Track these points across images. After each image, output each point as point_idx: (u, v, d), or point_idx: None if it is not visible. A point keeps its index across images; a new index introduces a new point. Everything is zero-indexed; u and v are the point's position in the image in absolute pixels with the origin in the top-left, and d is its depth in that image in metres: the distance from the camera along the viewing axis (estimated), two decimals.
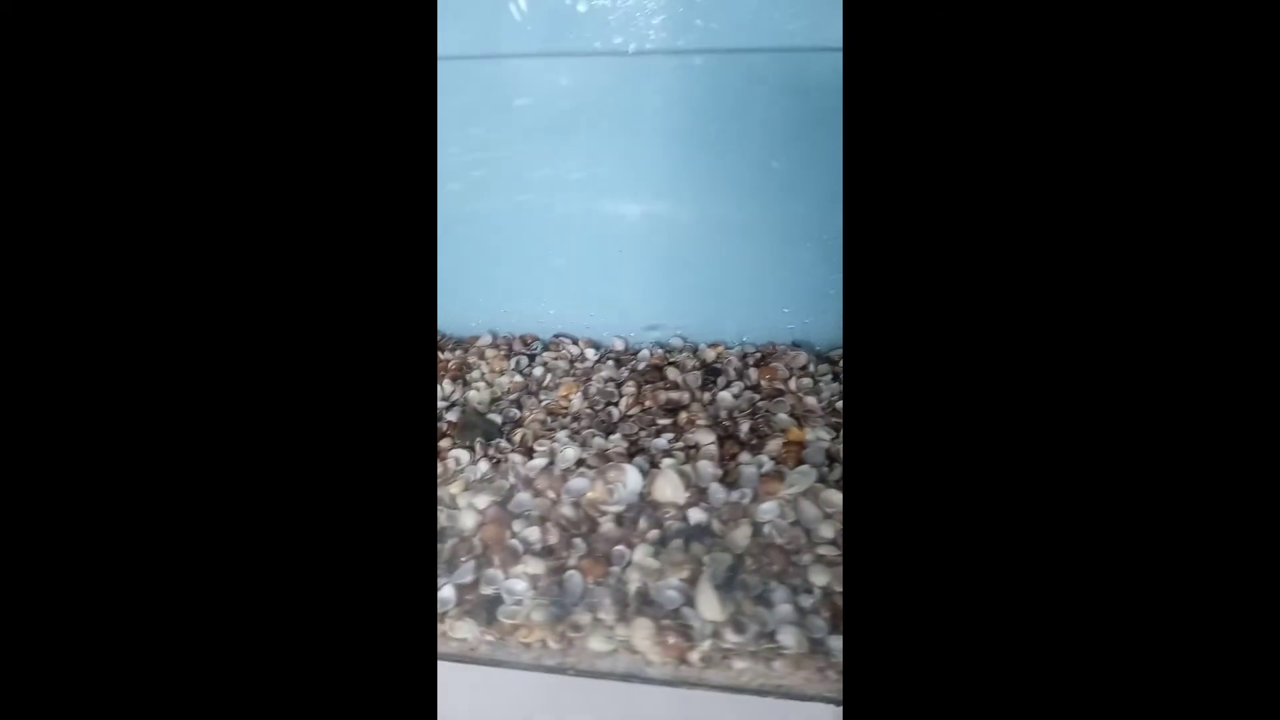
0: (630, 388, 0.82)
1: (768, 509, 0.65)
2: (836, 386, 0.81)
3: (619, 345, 0.90)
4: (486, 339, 0.91)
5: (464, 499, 0.68)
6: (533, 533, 0.64)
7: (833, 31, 0.69)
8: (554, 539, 0.64)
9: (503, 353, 0.88)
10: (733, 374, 0.84)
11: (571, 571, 0.61)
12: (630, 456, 0.72)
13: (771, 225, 0.82)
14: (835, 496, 0.66)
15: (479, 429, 0.76)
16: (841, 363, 0.85)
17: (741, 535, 0.63)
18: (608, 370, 0.85)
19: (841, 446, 0.73)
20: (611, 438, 0.75)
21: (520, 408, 0.80)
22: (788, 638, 0.55)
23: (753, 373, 0.84)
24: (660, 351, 0.88)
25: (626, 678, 0.56)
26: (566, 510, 0.67)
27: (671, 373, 0.84)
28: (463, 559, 0.62)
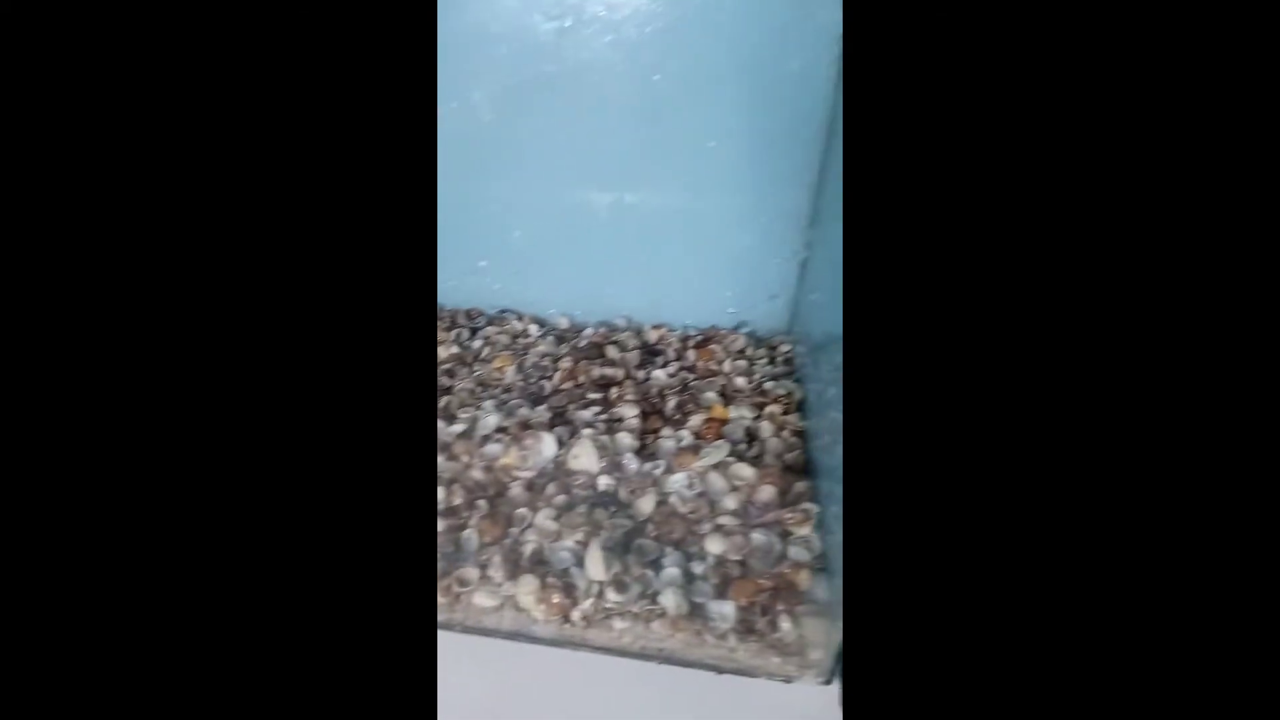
0: (566, 363, 0.82)
1: (676, 479, 0.65)
2: (770, 369, 0.81)
3: (564, 323, 0.91)
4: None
5: None
6: (438, 493, 0.64)
7: (811, 21, 0.68)
8: (458, 500, 0.64)
9: (445, 324, 0.89)
10: (671, 354, 0.84)
11: (469, 531, 0.61)
12: (551, 427, 0.72)
13: (723, 212, 0.82)
14: (745, 470, 0.66)
15: None
16: (781, 348, 0.84)
17: (647, 503, 0.63)
18: (546, 346, 0.86)
19: (763, 425, 0.72)
20: (537, 409, 0.75)
21: (451, 377, 0.81)
22: (668, 600, 0.55)
23: (691, 354, 0.84)
24: (604, 330, 0.89)
25: (512, 635, 0.56)
26: (477, 474, 0.67)
27: (611, 351, 0.84)
28: None
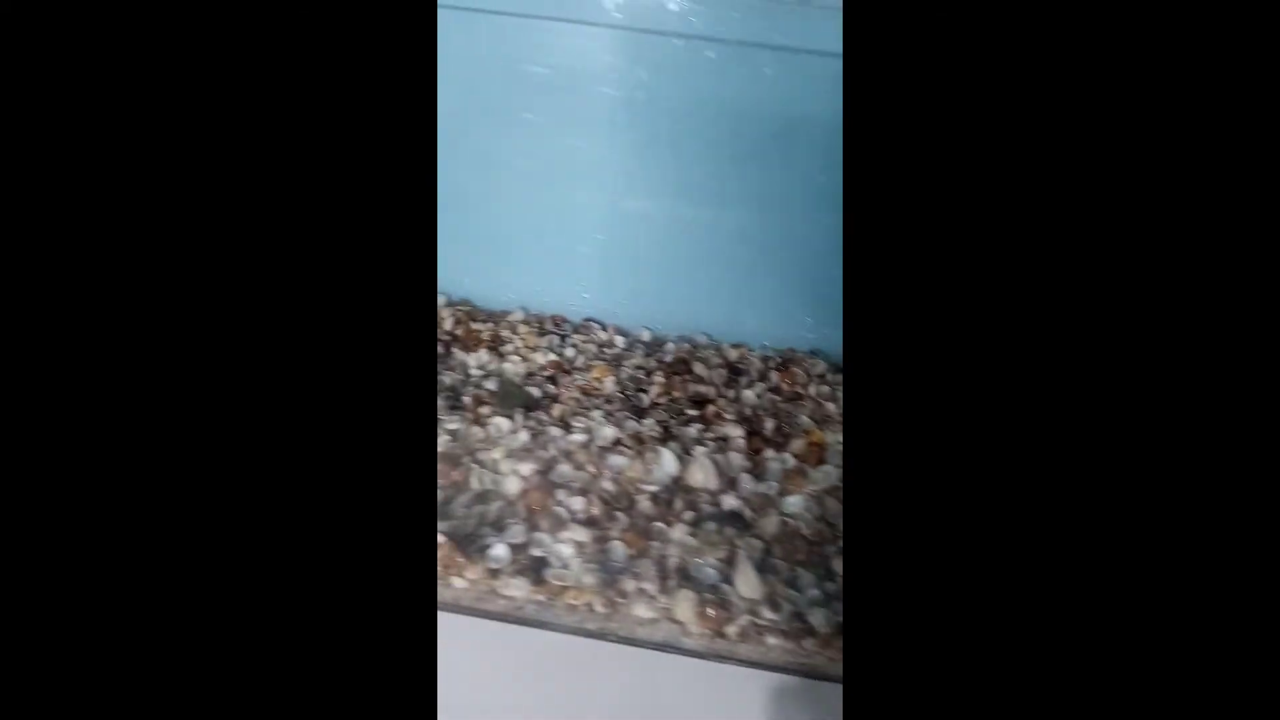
0: (659, 377, 0.85)
1: (793, 501, 0.70)
2: None
3: (645, 335, 0.94)
4: (519, 314, 0.94)
5: (506, 465, 0.70)
6: (577, 502, 0.67)
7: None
8: (597, 510, 0.67)
9: (534, 330, 0.91)
10: (755, 375, 0.88)
11: (615, 542, 0.64)
12: (663, 441, 0.75)
13: (807, 233, 0.87)
14: None
15: (518, 400, 0.78)
16: None
17: (771, 524, 0.68)
18: (637, 358, 0.88)
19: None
20: (644, 422, 0.78)
21: (555, 384, 0.83)
22: (817, 619, 0.59)
23: (774, 375, 0.88)
24: (686, 346, 0.92)
25: (662, 646, 0.60)
26: (607, 484, 0.70)
27: (698, 368, 0.88)
28: (510, 521, 0.65)
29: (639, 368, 0.87)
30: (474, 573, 0.60)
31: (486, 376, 0.82)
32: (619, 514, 0.67)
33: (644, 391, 0.84)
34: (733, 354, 0.92)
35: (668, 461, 0.72)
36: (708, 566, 0.63)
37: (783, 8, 0.75)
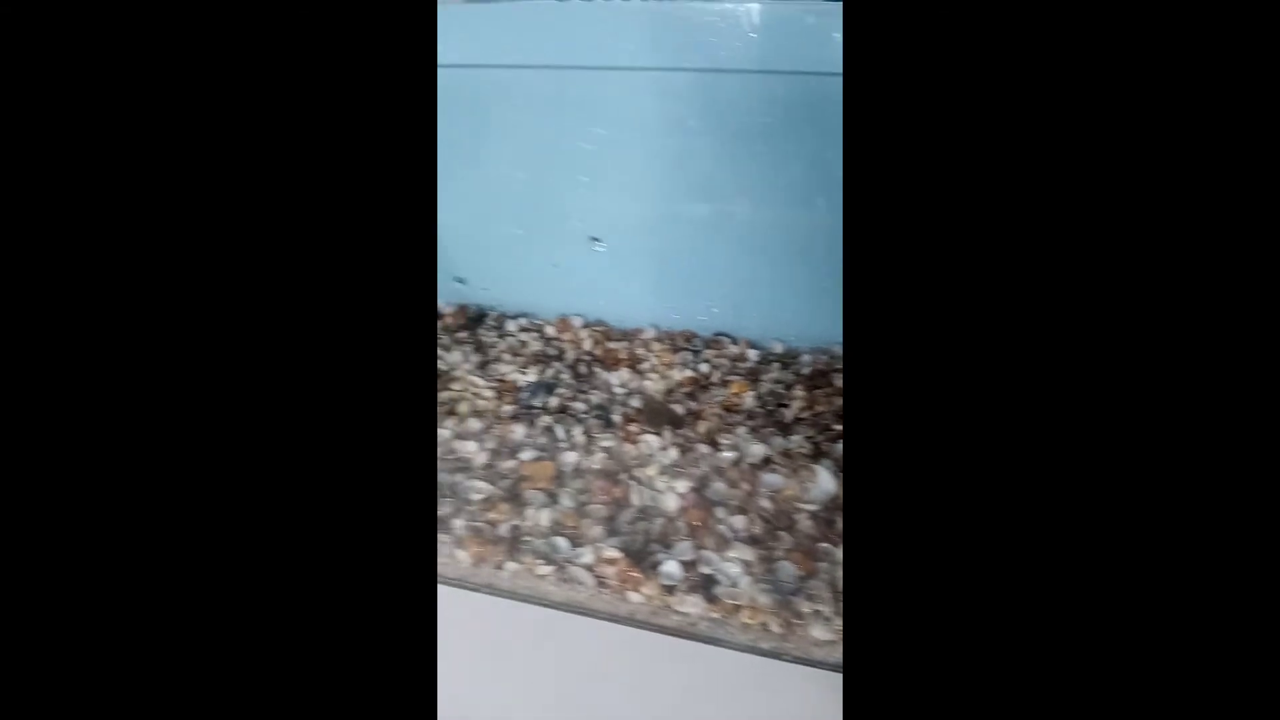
0: (799, 390, 0.84)
1: None
2: None
3: (778, 348, 0.93)
4: (650, 332, 0.94)
5: (661, 482, 0.70)
6: (738, 520, 0.66)
7: None
8: (758, 529, 0.66)
9: (668, 346, 0.91)
10: None
11: (783, 561, 0.63)
12: (814, 458, 0.74)
13: None
14: None
15: (664, 417, 0.78)
16: None
17: None
18: (774, 372, 0.88)
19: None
20: (792, 438, 0.77)
21: (695, 400, 0.83)
22: None
23: None
24: (824, 358, 0.91)
25: (836, 667, 0.58)
26: (764, 503, 0.69)
27: (838, 380, 0.86)
28: (674, 538, 0.65)
29: (777, 381, 0.86)
30: (649, 589, 0.60)
31: (630, 395, 0.83)
32: (781, 533, 0.66)
33: (785, 406, 0.83)
34: None
35: (825, 480, 0.71)
36: None
37: None
